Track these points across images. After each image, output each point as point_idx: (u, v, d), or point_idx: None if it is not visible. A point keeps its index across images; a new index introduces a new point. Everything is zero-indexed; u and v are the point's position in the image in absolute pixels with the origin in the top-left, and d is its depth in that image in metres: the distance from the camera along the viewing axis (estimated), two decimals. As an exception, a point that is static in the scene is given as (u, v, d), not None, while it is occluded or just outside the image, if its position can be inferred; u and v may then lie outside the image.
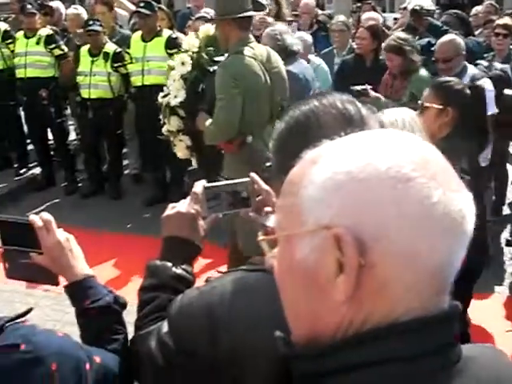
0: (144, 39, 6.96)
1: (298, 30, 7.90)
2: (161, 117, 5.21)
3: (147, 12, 6.80)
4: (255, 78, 4.34)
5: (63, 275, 1.64)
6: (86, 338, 1.59)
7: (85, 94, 7.29)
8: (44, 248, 1.61)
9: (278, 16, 7.83)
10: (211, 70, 4.77)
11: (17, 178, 8.36)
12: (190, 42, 5.03)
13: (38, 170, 8.45)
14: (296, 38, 5.86)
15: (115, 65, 7.19)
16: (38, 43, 7.51)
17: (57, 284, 1.70)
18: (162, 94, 5.15)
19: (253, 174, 1.76)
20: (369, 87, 5.25)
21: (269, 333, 1.10)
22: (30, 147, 8.59)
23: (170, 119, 5.02)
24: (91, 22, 7.18)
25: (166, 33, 6.99)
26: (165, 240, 1.68)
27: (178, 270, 1.61)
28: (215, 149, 4.68)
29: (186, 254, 1.67)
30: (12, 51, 7.92)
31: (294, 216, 0.87)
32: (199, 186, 1.70)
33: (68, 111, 8.00)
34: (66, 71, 7.49)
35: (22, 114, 8.28)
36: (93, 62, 7.20)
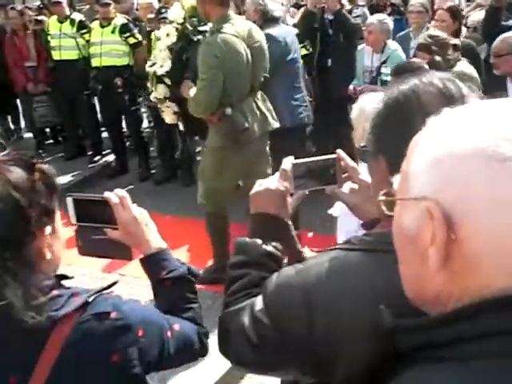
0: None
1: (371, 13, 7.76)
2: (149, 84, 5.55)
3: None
4: (236, 56, 4.54)
5: (139, 249, 1.70)
6: (162, 308, 1.65)
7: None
8: (120, 223, 1.66)
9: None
10: (195, 39, 5.06)
11: (91, 166, 8.51)
12: (175, 13, 5.24)
13: (111, 158, 8.60)
14: (278, 5, 6.03)
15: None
16: (113, 32, 7.64)
17: (131, 258, 1.76)
18: (149, 64, 5.47)
19: (339, 151, 1.75)
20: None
21: (367, 312, 1.14)
22: (104, 135, 8.76)
23: (157, 87, 5.28)
24: (163, 10, 7.22)
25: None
26: (253, 217, 1.68)
27: (269, 247, 1.61)
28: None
29: (275, 231, 1.66)
30: (87, 41, 8.07)
31: (405, 182, 0.91)
32: (288, 163, 1.69)
33: (141, 99, 8.07)
34: (140, 59, 7.58)
35: (97, 102, 8.46)
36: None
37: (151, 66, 5.38)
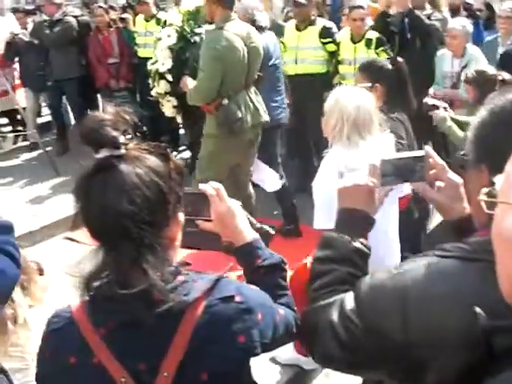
0: (298, 28, 7.00)
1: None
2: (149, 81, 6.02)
3: (303, 1, 6.84)
4: (235, 52, 5.04)
5: (234, 239, 1.72)
6: None
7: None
8: (217, 214, 1.68)
9: (434, 5, 7.66)
10: (192, 40, 5.84)
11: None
12: (173, 17, 5.97)
13: (187, 154, 8.73)
14: (265, 16, 6.41)
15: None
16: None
17: (221, 249, 1.79)
18: (150, 62, 5.99)
19: (428, 148, 1.74)
20: (444, 105, 5.16)
21: (463, 316, 1.15)
22: (181, 131, 8.90)
23: (160, 83, 5.82)
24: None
25: (320, 22, 7.01)
26: (340, 212, 1.68)
27: (357, 244, 1.61)
28: (198, 109, 5.41)
29: (362, 227, 1.66)
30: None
31: (508, 185, 0.92)
32: (377, 159, 1.70)
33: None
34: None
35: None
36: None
37: (153, 64, 5.92)
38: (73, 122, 9.81)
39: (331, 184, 2.49)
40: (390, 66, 4.44)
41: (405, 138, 4.10)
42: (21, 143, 9.58)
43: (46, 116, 10.58)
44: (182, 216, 1.55)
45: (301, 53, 6.93)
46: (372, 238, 1.70)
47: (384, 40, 6.63)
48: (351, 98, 3.44)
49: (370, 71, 4.41)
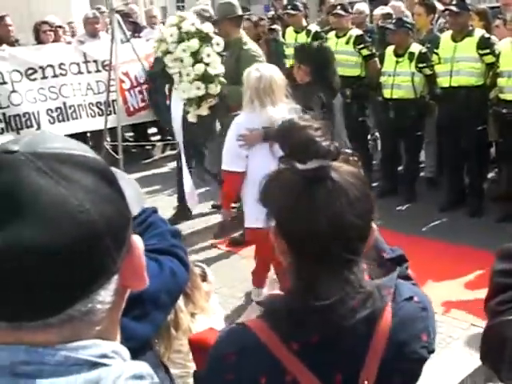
0: (454, 39, 6.75)
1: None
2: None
3: (458, 10, 6.58)
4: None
5: None
6: None
7: (387, 93, 7.29)
8: None
9: None
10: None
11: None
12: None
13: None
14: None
15: (420, 65, 7.07)
16: (347, 43, 7.71)
17: None
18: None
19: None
20: None
21: None
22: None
23: (210, 86, 6.01)
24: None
25: (478, 32, 6.72)
26: None
27: None
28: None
29: None
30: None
31: None
32: None
33: (368, 110, 8.06)
34: (372, 71, 7.57)
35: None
36: (397, 62, 7.18)
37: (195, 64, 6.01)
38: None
39: (233, 139, 4.40)
40: (314, 49, 5.16)
41: (316, 109, 4.70)
42: (169, 152, 9.88)
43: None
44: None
45: (456, 65, 6.68)
46: None
47: None
48: (258, 71, 4.43)
49: (296, 54, 5.39)
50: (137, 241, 0.92)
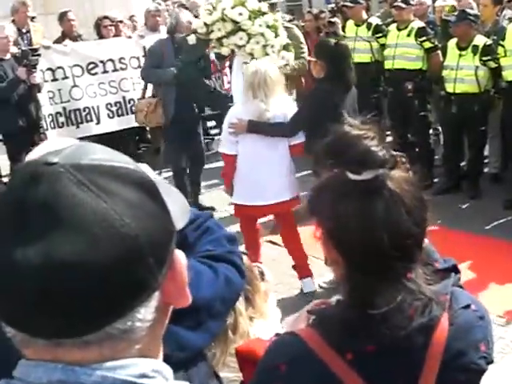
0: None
1: None
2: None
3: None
4: None
5: None
6: None
7: (449, 87, 7.12)
8: None
9: None
10: None
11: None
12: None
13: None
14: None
15: (484, 58, 6.86)
16: (408, 35, 7.53)
17: None
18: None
19: None
20: None
21: None
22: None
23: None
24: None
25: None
26: None
27: None
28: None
29: None
30: (382, 45, 8.09)
31: None
32: None
33: (430, 106, 7.89)
34: (435, 64, 7.39)
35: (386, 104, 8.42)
36: (460, 55, 6.99)
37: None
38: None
39: (226, 126, 5.05)
40: (331, 45, 5.18)
41: (321, 104, 4.87)
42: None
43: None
44: None
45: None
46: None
47: None
48: (254, 66, 4.94)
49: (314, 50, 5.51)
50: (179, 256, 0.88)
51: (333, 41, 5.38)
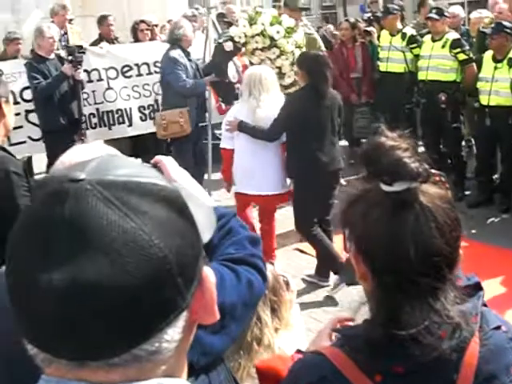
0: None
1: None
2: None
3: None
4: None
5: None
6: None
7: (484, 100, 7.05)
8: None
9: None
10: None
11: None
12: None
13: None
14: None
15: (520, 71, 6.78)
16: (443, 47, 7.48)
17: None
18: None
19: None
20: None
21: None
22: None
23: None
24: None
25: None
26: None
27: None
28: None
29: None
30: (415, 55, 8.06)
31: None
32: None
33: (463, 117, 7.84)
34: (469, 76, 7.33)
35: (418, 116, 8.36)
36: (496, 67, 6.93)
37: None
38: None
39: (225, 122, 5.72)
40: (310, 57, 5.65)
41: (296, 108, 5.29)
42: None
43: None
44: None
45: None
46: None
47: None
48: (252, 69, 5.72)
49: (296, 60, 5.97)
50: (208, 273, 0.86)
51: (313, 53, 5.97)
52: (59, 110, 7.10)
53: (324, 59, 5.68)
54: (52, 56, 7.31)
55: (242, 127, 5.48)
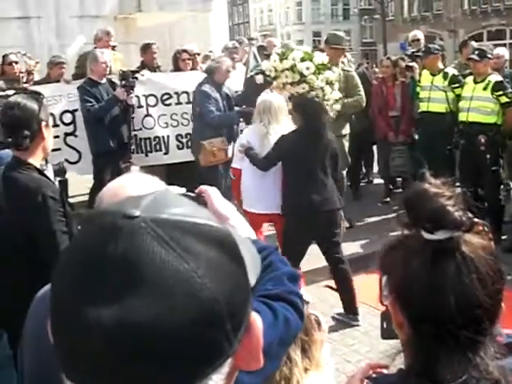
0: None
1: None
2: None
3: None
4: None
5: None
6: None
7: (524, 144, 6.95)
8: None
9: None
10: None
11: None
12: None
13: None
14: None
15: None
16: (485, 89, 7.42)
17: None
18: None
19: None
20: None
21: None
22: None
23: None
24: None
25: None
26: None
27: None
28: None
29: None
30: (457, 95, 7.99)
31: None
32: None
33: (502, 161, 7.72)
34: (510, 119, 7.24)
35: (458, 157, 8.27)
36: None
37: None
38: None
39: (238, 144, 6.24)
40: (305, 101, 6.13)
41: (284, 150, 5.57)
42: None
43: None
44: None
45: None
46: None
47: None
48: (264, 96, 5.98)
49: (293, 102, 6.16)
50: (256, 319, 0.83)
51: (308, 97, 6.41)
52: (110, 133, 7.26)
53: (320, 104, 6.08)
54: (104, 80, 7.46)
55: (247, 153, 5.79)
